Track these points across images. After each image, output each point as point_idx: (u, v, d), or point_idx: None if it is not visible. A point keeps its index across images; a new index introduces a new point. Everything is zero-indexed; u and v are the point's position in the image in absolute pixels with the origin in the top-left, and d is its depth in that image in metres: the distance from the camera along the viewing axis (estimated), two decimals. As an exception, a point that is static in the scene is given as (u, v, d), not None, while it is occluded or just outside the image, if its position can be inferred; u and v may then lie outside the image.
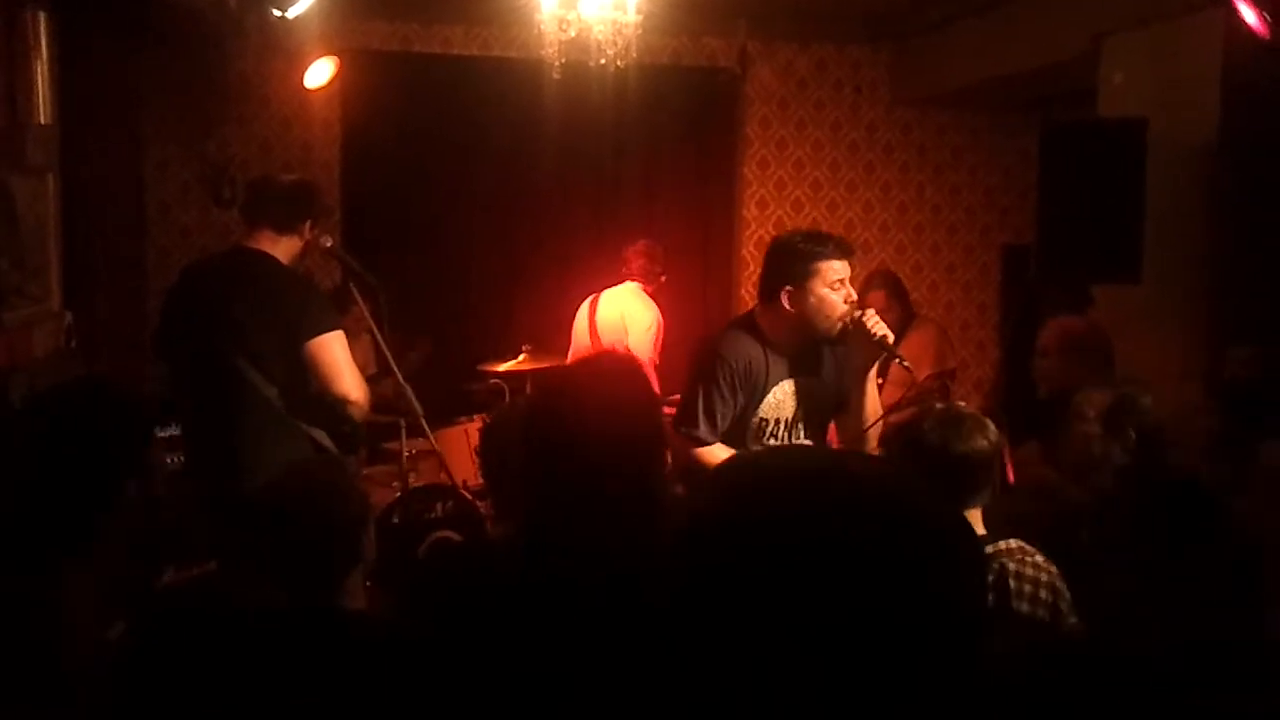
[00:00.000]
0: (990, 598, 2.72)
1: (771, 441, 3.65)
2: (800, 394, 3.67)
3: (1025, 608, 2.76)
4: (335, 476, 2.74)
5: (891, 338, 3.59)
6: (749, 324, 3.69)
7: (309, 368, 3.84)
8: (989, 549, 2.82)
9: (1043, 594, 2.80)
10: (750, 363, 3.57)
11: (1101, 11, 5.33)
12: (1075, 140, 4.84)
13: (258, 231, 4.04)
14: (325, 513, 2.57)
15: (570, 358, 6.11)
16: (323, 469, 2.91)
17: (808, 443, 3.72)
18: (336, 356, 3.86)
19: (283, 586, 2.52)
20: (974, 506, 2.88)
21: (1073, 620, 2.80)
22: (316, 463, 3.43)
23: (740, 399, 3.57)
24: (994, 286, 7.94)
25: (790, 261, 3.56)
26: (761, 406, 3.61)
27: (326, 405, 3.90)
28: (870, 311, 3.60)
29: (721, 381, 3.54)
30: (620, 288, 6.22)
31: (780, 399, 3.64)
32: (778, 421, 3.65)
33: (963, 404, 3.22)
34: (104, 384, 2.62)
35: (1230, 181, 4.63)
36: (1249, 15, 4.17)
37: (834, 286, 3.54)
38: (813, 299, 3.53)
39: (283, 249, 4.04)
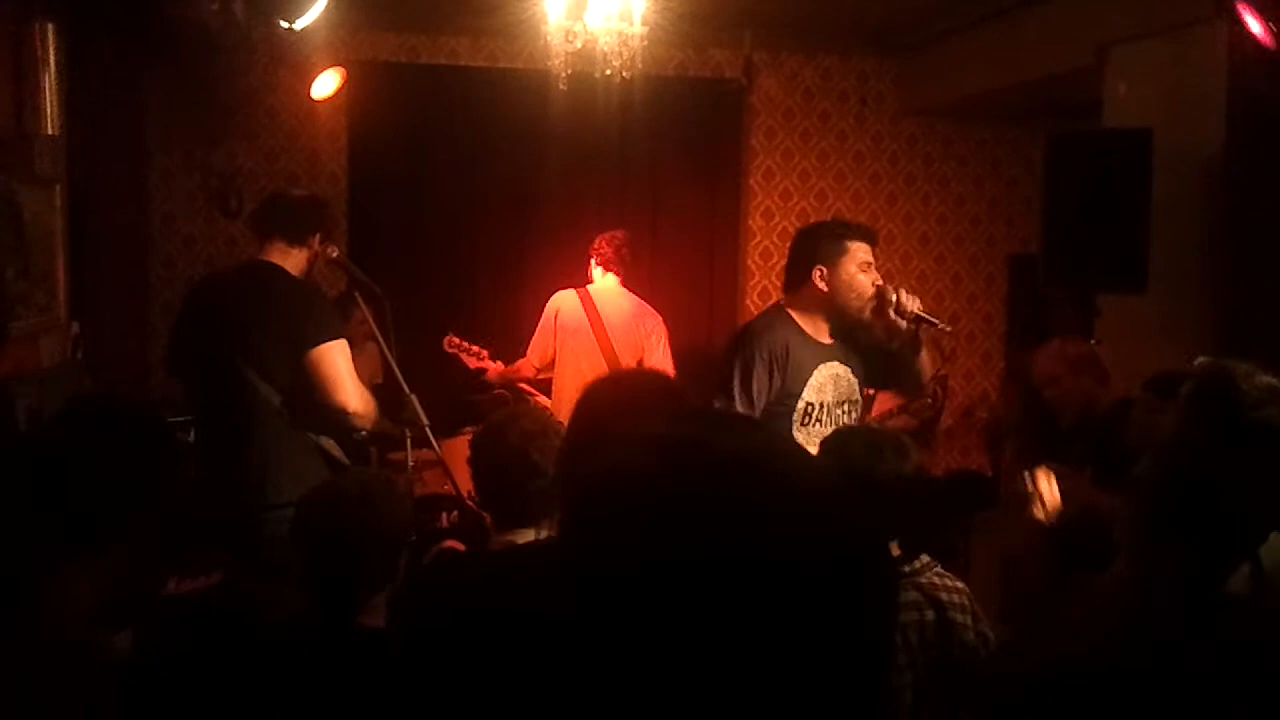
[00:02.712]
0: (931, 615, 2.71)
1: (817, 426, 3.68)
2: (839, 376, 3.74)
3: (959, 618, 2.75)
4: (379, 493, 2.71)
5: (920, 307, 3.71)
6: (780, 312, 3.77)
7: (310, 376, 3.86)
8: (905, 568, 2.78)
9: (965, 601, 2.79)
10: (788, 345, 3.64)
11: (1106, 22, 5.33)
12: (1080, 150, 4.85)
13: (269, 243, 4.11)
14: (365, 530, 2.54)
15: (547, 355, 5.89)
16: (367, 484, 2.81)
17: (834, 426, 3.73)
18: (337, 366, 3.88)
19: (312, 601, 2.50)
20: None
21: (989, 633, 2.79)
22: (363, 477, 3.38)
23: (778, 379, 3.61)
24: (1000, 297, 7.94)
25: (821, 242, 3.71)
26: (806, 390, 3.66)
27: (331, 415, 3.92)
28: (900, 289, 3.70)
29: (759, 358, 3.59)
30: (608, 287, 5.92)
31: (822, 382, 3.70)
32: (822, 405, 3.70)
33: (879, 425, 3.22)
34: (121, 401, 2.61)
35: (1236, 191, 4.63)
36: (1254, 25, 4.17)
37: (863, 268, 3.67)
38: (845, 276, 3.66)
39: (293, 261, 4.10)
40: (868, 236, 3.76)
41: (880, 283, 3.70)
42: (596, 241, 5.97)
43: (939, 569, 2.86)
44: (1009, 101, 6.91)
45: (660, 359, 5.82)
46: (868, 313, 3.71)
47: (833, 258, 3.67)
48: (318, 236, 4.18)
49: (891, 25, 7.08)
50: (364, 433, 4.18)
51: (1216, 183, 4.71)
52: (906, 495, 2.80)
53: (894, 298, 3.66)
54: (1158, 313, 4.83)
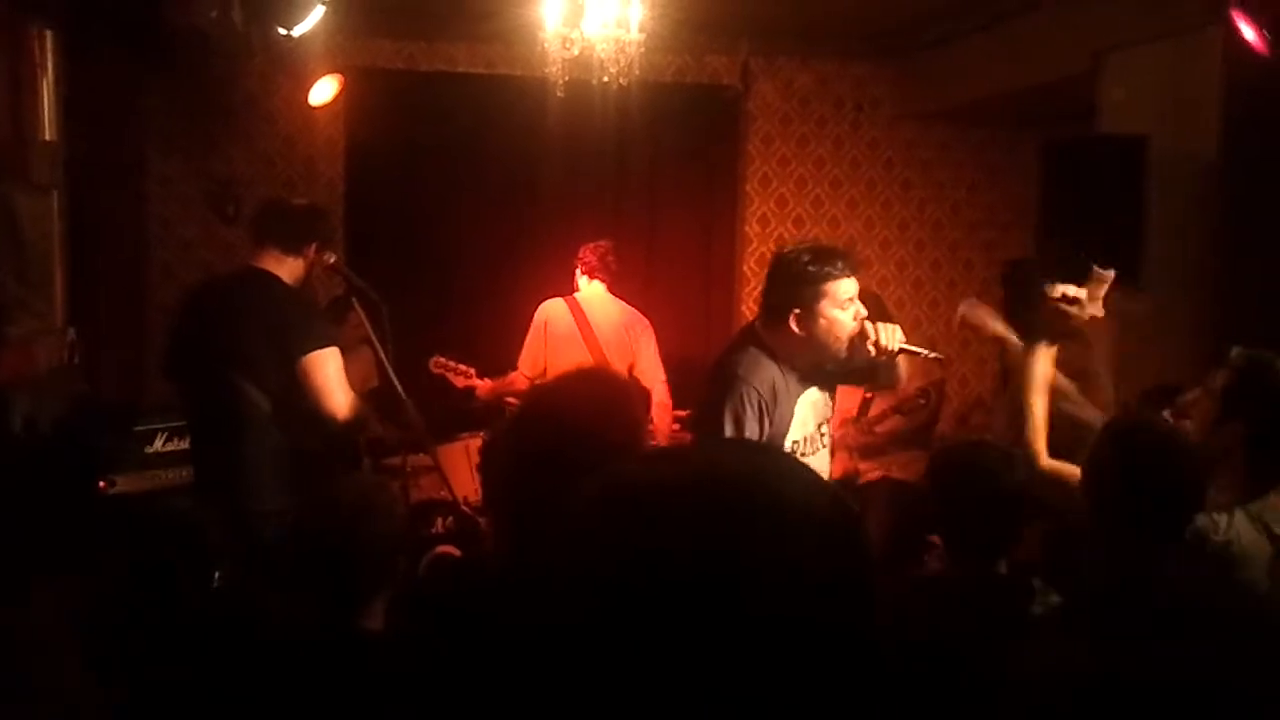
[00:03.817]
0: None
1: (802, 459, 3.48)
2: (815, 402, 3.61)
3: None
4: (376, 498, 2.71)
5: (901, 340, 3.51)
6: (759, 342, 3.54)
7: (303, 383, 3.88)
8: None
9: None
10: (774, 386, 3.45)
11: (1102, 29, 5.34)
12: (1076, 156, 4.86)
13: (264, 251, 4.13)
14: (362, 535, 2.54)
15: (539, 364, 5.91)
16: (364, 490, 2.82)
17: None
18: (328, 374, 3.91)
19: (310, 606, 2.50)
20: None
21: None
22: (359, 483, 3.38)
23: (767, 424, 3.43)
24: (995, 302, 7.91)
25: (798, 284, 3.44)
26: (792, 429, 3.50)
27: (320, 422, 3.94)
28: (880, 326, 3.49)
29: (749, 406, 3.39)
30: (597, 294, 5.96)
31: (804, 415, 3.55)
32: (806, 439, 3.58)
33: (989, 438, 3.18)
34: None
35: (1231, 198, 4.64)
36: (1249, 32, 4.19)
37: (843, 306, 3.45)
38: (822, 321, 3.43)
39: (287, 269, 4.12)
40: (849, 269, 3.47)
41: (862, 315, 3.47)
42: (581, 252, 5.99)
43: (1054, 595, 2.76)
44: (1005, 107, 6.92)
45: (649, 361, 5.84)
46: (848, 351, 3.50)
47: (810, 302, 3.42)
48: (314, 246, 4.20)
49: (888, 31, 7.09)
50: (356, 438, 4.20)
51: (1212, 188, 4.71)
52: (1021, 508, 2.82)
53: (873, 336, 3.47)
54: (1154, 319, 4.84)
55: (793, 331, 3.45)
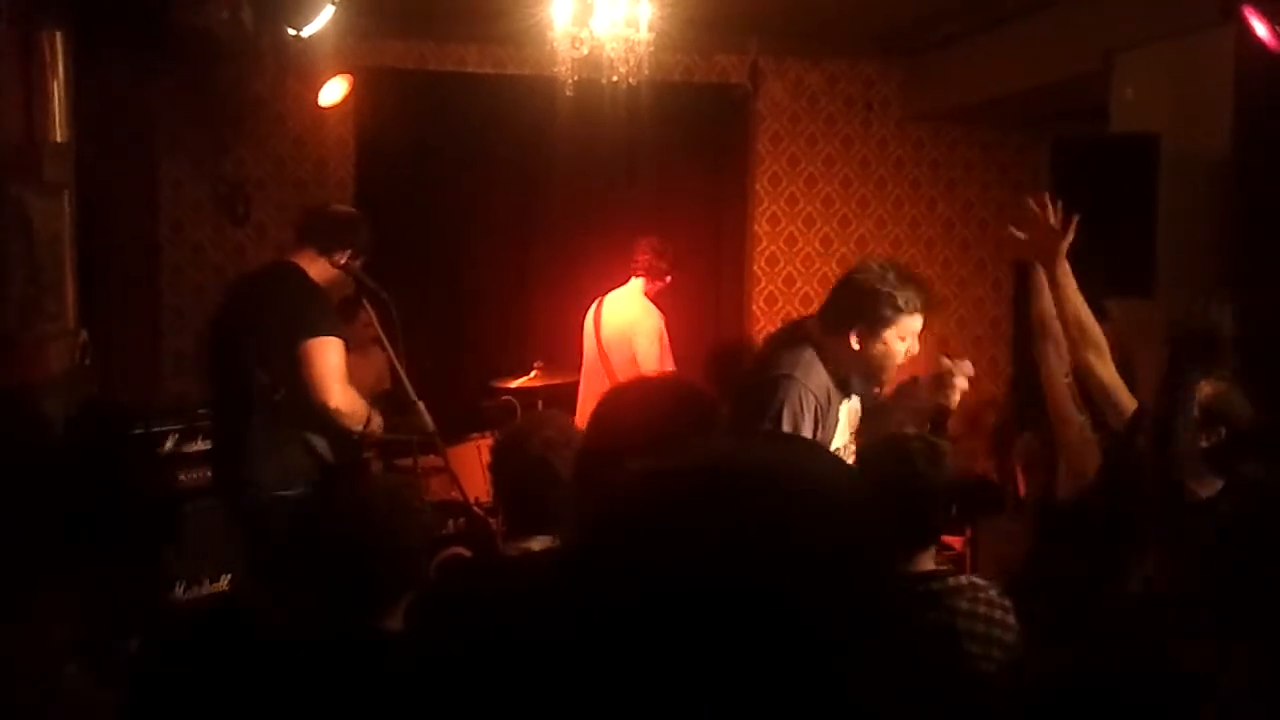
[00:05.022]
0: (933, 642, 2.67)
1: None
2: (852, 410, 3.62)
3: (976, 649, 2.67)
4: (403, 499, 2.71)
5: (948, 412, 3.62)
6: (815, 343, 3.50)
7: (300, 369, 3.95)
8: (936, 586, 2.74)
9: (996, 632, 2.70)
10: (829, 393, 3.45)
11: (1113, 28, 5.33)
12: (1087, 155, 4.84)
13: (299, 248, 4.31)
14: (392, 536, 2.54)
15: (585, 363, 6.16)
16: (392, 490, 2.81)
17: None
18: (327, 362, 3.99)
19: (330, 607, 2.50)
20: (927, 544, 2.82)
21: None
22: (387, 482, 3.37)
23: (819, 433, 3.42)
24: (1006, 301, 7.92)
25: (873, 303, 3.41)
26: (836, 437, 3.51)
27: (317, 410, 4.00)
28: (919, 381, 3.58)
29: (806, 413, 3.37)
30: (624, 291, 6.08)
31: (843, 424, 3.56)
32: (845, 446, 3.58)
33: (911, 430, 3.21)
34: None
35: (1243, 195, 4.62)
36: (1260, 30, 4.17)
37: (904, 338, 3.45)
38: (880, 346, 3.43)
39: (318, 269, 4.27)
40: (923, 307, 3.47)
41: (915, 351, 3.49)
42: (634, 247, 6.13)
43: (984, 591, 2.75)
44: (1016, 106, 6.91)
45: (645, 356, 5.83)
46: (885, 383, 3.55)
47: (878, 324, 3.41)
48: (347, 253, 4.31)
49: (897, 30, 7.08)
50: (356, 434, 4.24)
51: (1224, 187, 4.70)
52: (941, 503, 2.80)
53: (949, 391, 3.55)
54: (1164, 315, 4.83)
55: (849, 345, 3.44)
